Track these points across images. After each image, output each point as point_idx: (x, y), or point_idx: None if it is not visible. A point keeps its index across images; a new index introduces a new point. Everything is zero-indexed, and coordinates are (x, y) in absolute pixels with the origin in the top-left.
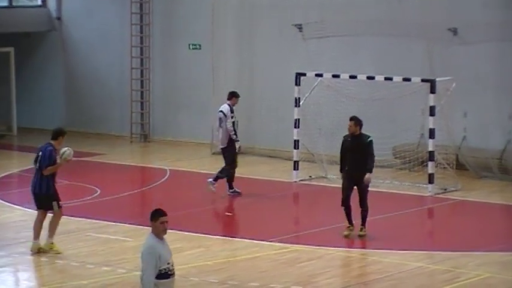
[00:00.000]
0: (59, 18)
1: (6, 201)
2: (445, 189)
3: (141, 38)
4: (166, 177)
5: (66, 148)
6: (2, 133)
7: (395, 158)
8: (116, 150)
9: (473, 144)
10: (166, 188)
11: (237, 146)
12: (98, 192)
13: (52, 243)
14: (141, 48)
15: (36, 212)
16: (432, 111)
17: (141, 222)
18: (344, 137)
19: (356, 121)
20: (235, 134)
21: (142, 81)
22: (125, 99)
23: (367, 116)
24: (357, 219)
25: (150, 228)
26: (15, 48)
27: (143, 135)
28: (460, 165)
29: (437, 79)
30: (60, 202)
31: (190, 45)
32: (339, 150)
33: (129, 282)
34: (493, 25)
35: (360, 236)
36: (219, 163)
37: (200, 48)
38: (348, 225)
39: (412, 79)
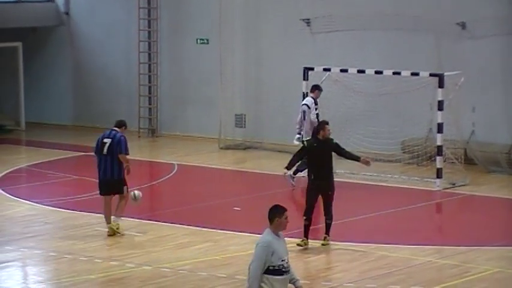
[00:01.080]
0: (67, 13)
1: (15, 196)
2: (454, 184)
3: (149, 32)
4: (174, 171)
5: (137, 191)
6: (10, 128)
7: (404, 152)
8: None
9: (482, 139)
10: (174, 183)
11: None
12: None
13: (118, 224)
14: (149, 43)
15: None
16: (440, 106)
17: (149, 217)
18: (306, 141)
19: (328, 125)
20: None
21: (150, 76)
22: (133, 94)
23: (375, 110)
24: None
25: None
26: (23, 43)
27: (151, 130)
28: (468, 159)
29: (445, 73)
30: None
31: (198, 40)
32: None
33: (137, 277)
34: (501, 19)
35: (323, 245)
36: (227, 157)
37: (208, 43)
38: (303, 238)
39: (420, 73)
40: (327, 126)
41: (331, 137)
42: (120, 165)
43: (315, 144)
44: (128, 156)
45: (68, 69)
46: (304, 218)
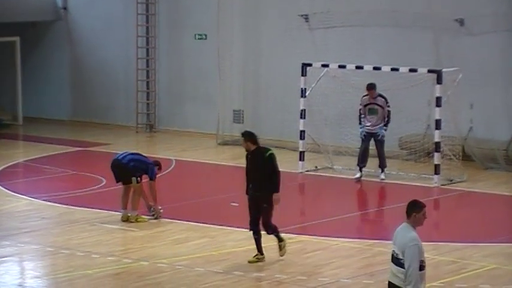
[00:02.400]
0: (64, 8)
1: (12, 191)
2: (451, 180)
3: (147, 27)
4: (171, 167)
5: (160, 207)
6: (8, 123)
7: (402, 148)
8: (122, 140)
9: (480, 135)
10: (171, 178)
11: None
12: (104, 182)
13: (137, 215)
14: (147, 38)
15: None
16: (438, 102)
17: (146, 212)
18: (246, 154)
19: (246, 136)
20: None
21: (148, 71)
22: (131, 89)
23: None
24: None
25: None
26: (21, 37)
27: (149, 125)
28: (466, 156)
29: (443, 70)
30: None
31: (196, 35)
32: (345, 141)
33: (134, 272)
34: (500, 16)
35: (281, 255)
36: (225, 153)
37: (206, 39)
38: (257, 253)
39: (419, 70)
40: (243, 138)
41: (271, 150)
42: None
43: (249, 156)
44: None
45: (65, 64)
46: (251, 231)
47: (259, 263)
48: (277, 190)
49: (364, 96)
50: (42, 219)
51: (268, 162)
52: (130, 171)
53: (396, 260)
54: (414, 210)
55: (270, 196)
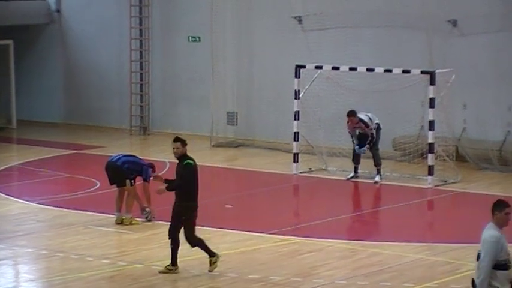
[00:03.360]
0: (58, 11)
1: (6, 194)
2: (445, 181)
3: (141, 30)
4: (166, 169)
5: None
6: (2, 126)
7: (395, 149)
8: (116, 142)
9: (473, 136)
10: None
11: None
12: (98, 185)
13: (131, 218)
14: (141, 41)
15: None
16: (432, 103)
17: (140, 215)
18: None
19: (182, 142)
20: None
21: (141, 74)
22: (124, 91)
23: (366, 107)
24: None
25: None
26: (14, 40)
27: (143, 127)
28: (460, 157)
29: (437, 71)
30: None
31: (190, 38)
32: (339, 143)
33: (128, 275)
34: (492, 16)
35: (210, 271)
36: (219, 155)
37: (200, 41)
38: (169, 264)
39: (412, 71)
40: (172, 144)
41: (189, 159)
42: (133, 169)
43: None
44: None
45: (59, 67)
46: (169, 240)
47: (257, 267)
48: (169, 188)
49: (347, 122)
50: (36, 222)
51: (184, 170)
52: (124, 173)
53: (478, 257)
54: (496, 209)
55: (188, 208)
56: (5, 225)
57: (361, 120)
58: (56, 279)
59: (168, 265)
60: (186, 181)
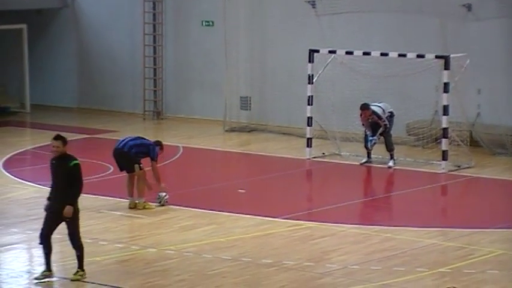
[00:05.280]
0: None
1: (20, 178)
2: (459, 166)
3: (154, 14)
4: (179, 154)
5: (165, 193)
6: (15, 110)
7: (409, 135)
8: (129, 127)
9: (487, 121)
10: (179, 165)
11: None
12: (111, 170)
13: (144, 202)
14: (154, 25)
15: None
16: (446, 88)
17: (154, 199)
18: (50, 159)
19: (63, 141)
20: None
21: (155, 58)
22: (138, 76)
23: (380, 92)
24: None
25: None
26: (28, 25)
27: (156, 112)
28: (473, 142)
29: (451, 55)
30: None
31: (203, 22)
32: (353, 128)
33: (142, 259)
34: (507, 1)
35: (72, 280)
36: (232, 140)
37: (213, 25)
38: (44, 269)
39: (426, 56)
40: (52, 141)
41: (75, 159)
42: (139, 153)
43: (53, 161)
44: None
45: (72, 52)
46: (41, 245)
47: (270, 251)
48: (72, 202)
49: (361, 115)
50: None
51: (73, 172)
52: (133, 159)
53: None
54: None
55: (77, 207)
56: (18, 209)
57: (374, 112)
58: (69, 263)
59: (44, 271)
60: (81, 182)
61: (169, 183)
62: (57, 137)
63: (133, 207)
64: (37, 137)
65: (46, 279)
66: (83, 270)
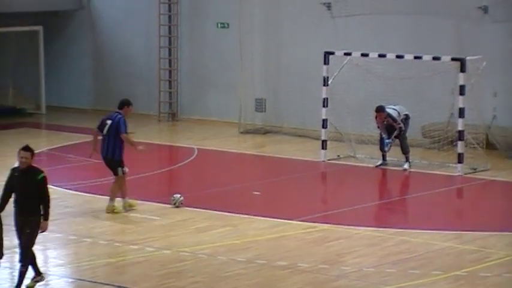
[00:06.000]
0: None
1: None
2: (475, 169)
3: (169, 16)
4: (194, 156)
5: (180, 195)
6: (31, 111)
7: (425, 137)
8: (144, 128)
9: (504, 124)
10: (194, 167)
11: None
12: (126, 171)
13: (113, 206)
14: (169, 27)
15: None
16: (462, 91)
17: (169, 200)
18: (12, 170)
19: (32, 152)
20: None
21: (170, 60)
22: (153, 78)
23: (396, 95)
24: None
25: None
26: (44, 27)
27: (171, 114)
28: (489, 144)
29: (467, 58)
30: (124, 168)
31: (219, 24)
32: (368, 130)
33: (156, 261)
34: None
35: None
36: (247, 142)
37: (228, 27)
38: (34, 276)
39: (442, 58)
40: (21, 152)
41: (42, 171)
42: (120, 146)
43: (17, 174)
44: (146, 140)
45: (88, 53)
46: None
47: (284, 254)
48: (48, 217)
49: (376, 118)
50: (65, 208)
51: (40, 185)
52: (116, 162)
53: None
54: None
55: (36, 222)
56: None
57: (389, 115)
58: (84, 265)
59: (34, 277)
60: (49, 195)
61: (184, 185)
62: (27, 148)
63: (109, 212)
64: (53, 138)
65: (38, 283)
66: (40, 274)
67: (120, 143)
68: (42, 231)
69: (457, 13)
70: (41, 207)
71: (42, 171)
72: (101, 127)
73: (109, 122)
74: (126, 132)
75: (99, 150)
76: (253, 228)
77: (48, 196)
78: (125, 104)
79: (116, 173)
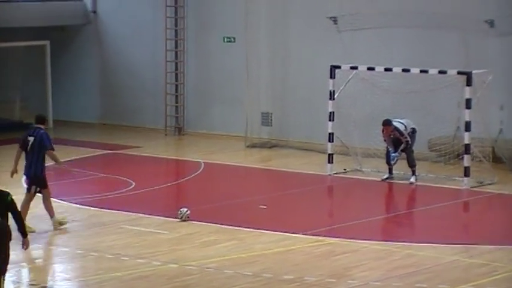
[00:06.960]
0: (94, 12)
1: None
2: (481, 183)
3: (176, 31)
4: (200, 170)
5: (186, 209)
6: None
7: (431, 150)
8: (151, 143)
9: (510, 137)
10: (200, 181)
11: None
12: (133, 185)
13: (57, 219)
14: (176, 41)
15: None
16: (468, 104)
17: (175, 215)
18: None
19: None
20: None
21: (176, 74)
22: (159, 92)
23: (402, 108)
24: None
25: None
26: (51, 41)
27: (177, 128)
28: (496, 158)
29: (473, 71)
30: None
31: (225, 38)
32: (374, 144)
33: (163, 275)
34: None
35: None
36: (254, 156)
37: (234, 41)
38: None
39: (448, 71)
40: None
41: (9, 192)
42: (42, 163)
43: None
44: (153, 154)
45: (95, 68)
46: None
47: (291, 267)
48: (25, 235)
49: (382, 131)
50: (72, 222)
51: (11, 206)
52: (43, 178)
53: None
54: None
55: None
56: (41, 225)
57: (396, 129)
58: (91, 279)
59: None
60: (20, 214)
61: (191, 199)
62: None
63: (59, 224)
64: (59, 152)
65: None
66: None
67: (43, 158)
68: (26, 249)
69: (463, 27)
70: (17, 225)
71: (8, 193)
72: (23, 146)
73: (31, 138)
74: (52, 148)
75: (22, 168)
76: (260, 242)
77: (20, 214)
78: (43, 119)
79: (29, 190)
